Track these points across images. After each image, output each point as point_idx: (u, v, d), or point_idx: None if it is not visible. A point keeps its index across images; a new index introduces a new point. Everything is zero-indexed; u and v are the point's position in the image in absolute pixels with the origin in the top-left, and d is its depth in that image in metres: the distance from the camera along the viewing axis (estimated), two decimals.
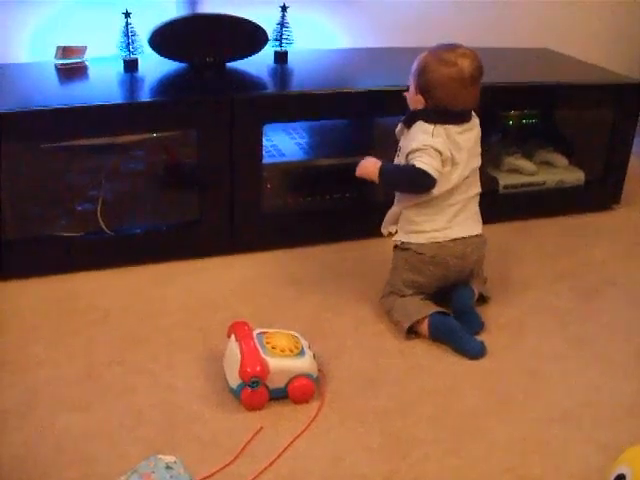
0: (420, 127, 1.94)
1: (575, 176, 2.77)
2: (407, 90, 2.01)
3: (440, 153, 1.90)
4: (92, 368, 1.79)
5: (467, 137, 1.97)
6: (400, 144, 2.02)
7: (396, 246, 2.05)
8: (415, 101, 1.98)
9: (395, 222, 2.06)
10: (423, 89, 1.94)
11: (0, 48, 2.47)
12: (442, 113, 1.93)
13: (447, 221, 1.97)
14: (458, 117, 1.95)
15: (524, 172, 2.73)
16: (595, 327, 2.08)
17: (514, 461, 1.58)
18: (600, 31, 3.32)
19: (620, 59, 3.24)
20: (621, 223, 2.75)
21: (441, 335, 1.96)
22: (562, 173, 2.77)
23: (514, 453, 1.60)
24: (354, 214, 2.45)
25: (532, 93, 2.60)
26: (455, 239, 1.97)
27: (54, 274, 2.16)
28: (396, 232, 2.05)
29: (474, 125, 2.00)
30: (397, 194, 2.05)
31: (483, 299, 2.11)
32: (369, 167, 2.00)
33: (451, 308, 2.03)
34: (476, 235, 2.01)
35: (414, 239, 1.99)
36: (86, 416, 1.64)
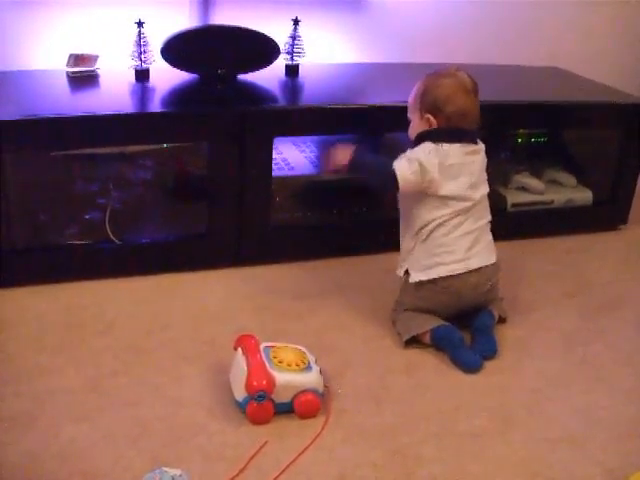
0: (424, 146, 1.96)
1: (583, 195, 2.77)
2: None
3: (423, 168, 1.91)
4: (97, 379, 1.79)
5: (474, 159, 1.99)
6: None
7: (407, 271, 2.04)
8: (422, 127, 1.99)
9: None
10: (432, 108, 1.96)
11: (12, 55, 2.48)
12: (451, 132, 1.96)
13: (465, 251, 1.97)
14: (464, 135, 1.97)
15: (532, 191, 2.73)
16: (601, 348, 2.07)
17: None
18: (610, 51, 3.32)
19: (630, 79, 3.24)
20: (628, 243, 2.75)
21: (440, 342, 1.96)
22: (570, 192, 2.77)
23: (518, 475, 1.59)
24: (362, 229, 2.45)
25: (541, 112, 2.60)
26: (471, 270, 1.97)
27: (61, 282, 2.16)
28: (406, 272, 2.04)
29: (481, 149, 2.02)
30: (404, 232, 2.05)
31: (501, 319, 2.11)
32: (339, 156, 2.07)
33: (470, 329, 2.03)
34: (491, 264, 2.02)
35: (434, 274, 1.97)
36: (91, 427, 1.63)
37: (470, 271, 1.97)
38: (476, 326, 2.01)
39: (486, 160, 2.04)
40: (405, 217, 2.05)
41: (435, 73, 2.00)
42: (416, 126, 2.02)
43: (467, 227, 1.97)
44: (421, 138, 1.98)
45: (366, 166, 2.04)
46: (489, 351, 1.98)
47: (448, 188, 1.94)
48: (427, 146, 1.95)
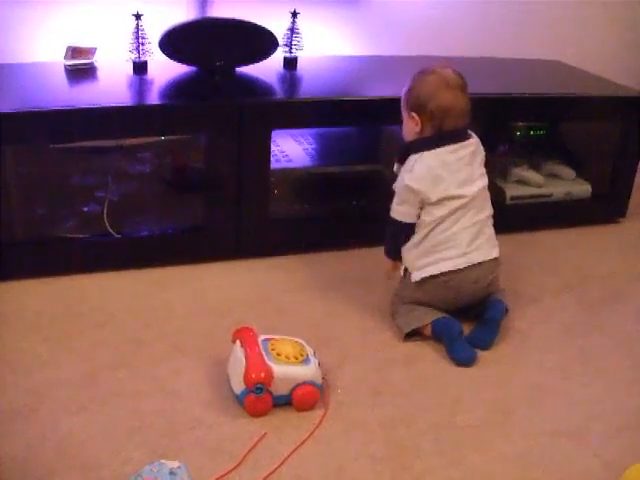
0: (408, 163, 1.98)
1: (582, 188, 2.77)
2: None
3: (414, 192, 1.93)
4: (96, 371, 1.78)
5: (460, 155, 1.97)
6: None
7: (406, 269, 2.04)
8: (410, 125, 2.00)
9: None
10: (415, 105, 1.97)
11: (10, 48, 2.47)
12: (434, 136, 1.96)
13: (466, 245, 1.96)
14: (451, 136, 1.96)
15: (531, 184, 2.72)
16: (600, 341, 2.07)
17: (517, 475, 1.57)
18: (611, 44, 3.31)
19: (630, 72, 3.24)
20: (627, 236, 2.75)
21: (439, 335, 1.96)
22: (569, 185, 2.77)
23: (517, 467, 1.59)
24: (361, 221, 2.44)
25: (540, 105, 2.60)
26: (474, 264, 1.96)
27: (59, 275, 2.16)
28: (406, 269, 2.04)
29: (470, 144, 2.00)
30: None
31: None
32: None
33: (479, 319, 2.02)
34: (493, 259, 2.01)
35: (435, 270, 1.96)
36: (89, 419, 1.63)
37: (472, 265, 1.96)
38: (486, 318, 2.00)
39: (483, 153, 2.03)
40: None
41: (420, 71, 2.00)
42: (406, 124, 2.03)
43: (466, 221, 1.97)
44: (406, 152, 1.99)
45: (387, 238, 2.09)
46: (483, 343, 1.97)
47: (437, 193, 1.94)
48: (409, 163, 1.97)
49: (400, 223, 1.98)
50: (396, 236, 2.03)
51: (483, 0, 3.01)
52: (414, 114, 1.97)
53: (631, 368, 1.96)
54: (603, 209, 2.83)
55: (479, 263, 1.97)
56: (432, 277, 1.97)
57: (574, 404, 1.81)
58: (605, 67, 3.04)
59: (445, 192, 1.94)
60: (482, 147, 2.04)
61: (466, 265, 1.96)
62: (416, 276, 1.99)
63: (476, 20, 3.02)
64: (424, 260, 1.98)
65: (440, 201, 1.94)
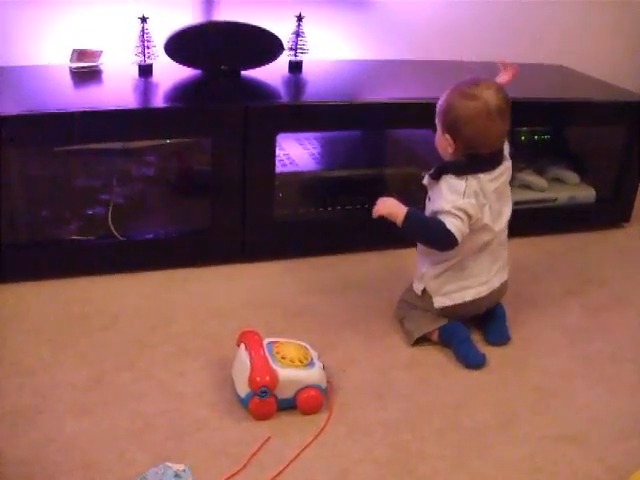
0: (450, 183, 1.85)
1: (586, 193, 2.77)
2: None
3: (470, 217, 1.84)
4: (101, 373, 1.79)
5: (496, 185, 1.90)
6: (429, 194, 1.94)
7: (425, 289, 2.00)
8: (443, 143, 1.90)
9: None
10: (450, 128, 1.86)
11: (15, 50, 2.47)
12: (472, 160, 1.87)
13: (488, 272, 1.97)
14: (489, 162, 1.89)
15: (535, 188, 2.72)
16: (604, 345, 2.07)
17: (521, 479, 1.57)
18: (615, 49, 3.31)
19: (635, 77, 3.24)
20: (631, 241, 2.74)
21: (447, 339, 1.96)
22: (573, 190, 2.77)
23: (521, 471, 1.59)
24: (366, 225, 2.43)
25: (544, 109, 2.60)
26: (493, 290, 1.98)
27: (64, 278, 2.16)
28: (424, 290, 2.00)
29: (506, 169, 1.94)
30: (424, 256, 1.99)
31: None
32: (394, 208, 1.89)
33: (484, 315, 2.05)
34: (505, 281, 2.04)
35: (459, 298, 1.96)
36: (94, 421, 1.63)
37: (492, 291, 1.98)
38: (490, 314, 2.03)
39: (510, 176, 1.97)
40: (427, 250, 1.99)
41: (463, 89, 1.86)
42: (439, 140, 1.92)
43: (492, 248, 1.96)
44: (443, 170, 1.88)
45: (421, 222, 1.91)
46: (502, 337, 2.02)
47: (483, 219, 1.89)
48: (455, 186, 1.85)
49: (455, 240, 1.82)
50: (436, 241, 1.89)
51: (487, 4, 3.01)
52: (448, 136, 1.87)
53: (635, 372, 1.96)
54: (607, 214, 2.82)
55: (498, 286, 2.00)
56: (455, 304, 1.97)
57: (578, 408, 1.81)
58: (609, 72, 3.05)
59: (483, 221, 1.89)
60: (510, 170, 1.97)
61: (487, 293, 1.97)
62: (439, 302, 1.98)
63: (480, 24, 3.02)
64: (448, 287, 1.96)
65: (478, 230, 1.90)
